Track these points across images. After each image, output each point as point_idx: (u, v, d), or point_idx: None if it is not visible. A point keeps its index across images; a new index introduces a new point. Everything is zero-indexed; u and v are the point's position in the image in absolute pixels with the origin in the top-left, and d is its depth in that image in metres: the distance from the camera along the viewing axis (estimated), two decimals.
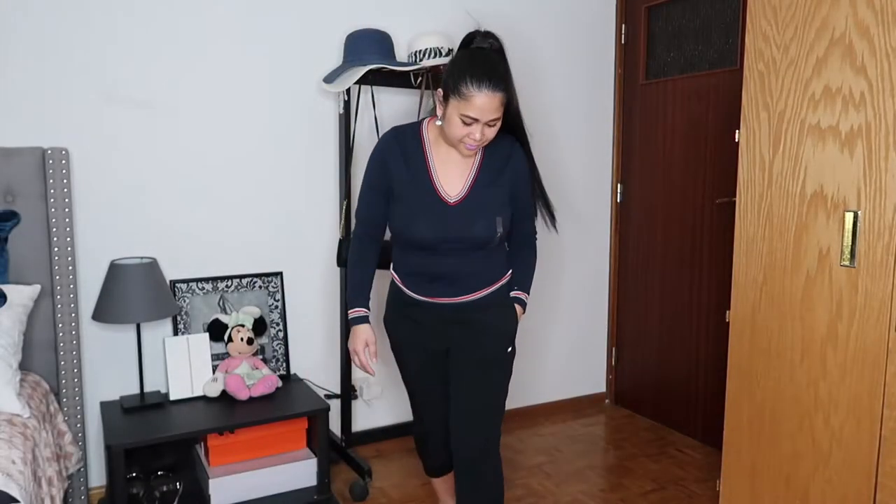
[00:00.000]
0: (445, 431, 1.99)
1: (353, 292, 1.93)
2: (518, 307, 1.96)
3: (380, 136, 2.35)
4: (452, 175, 1.85)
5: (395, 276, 1.96)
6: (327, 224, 2.81)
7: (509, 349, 1.95)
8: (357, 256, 1.95)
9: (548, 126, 3.24)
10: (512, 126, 1.86)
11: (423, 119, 1.93)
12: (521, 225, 1.96)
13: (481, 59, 1.75)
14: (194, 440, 2.52)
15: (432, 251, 1.84)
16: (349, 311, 1.93)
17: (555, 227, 2.03)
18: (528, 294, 1.99)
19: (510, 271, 1.96)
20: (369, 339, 1.92)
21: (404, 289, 1.92)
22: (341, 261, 2.64)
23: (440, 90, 1.78)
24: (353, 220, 2.03)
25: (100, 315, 2.26)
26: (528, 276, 1.99)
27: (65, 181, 2.22)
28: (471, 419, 1.91)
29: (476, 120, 1.71)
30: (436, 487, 2.28)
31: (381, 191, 1.87)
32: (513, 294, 1.96)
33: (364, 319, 1.92)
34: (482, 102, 1.68)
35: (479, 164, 1.86)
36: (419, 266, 1.88)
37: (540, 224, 2.07)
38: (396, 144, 1.86)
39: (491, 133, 1.77)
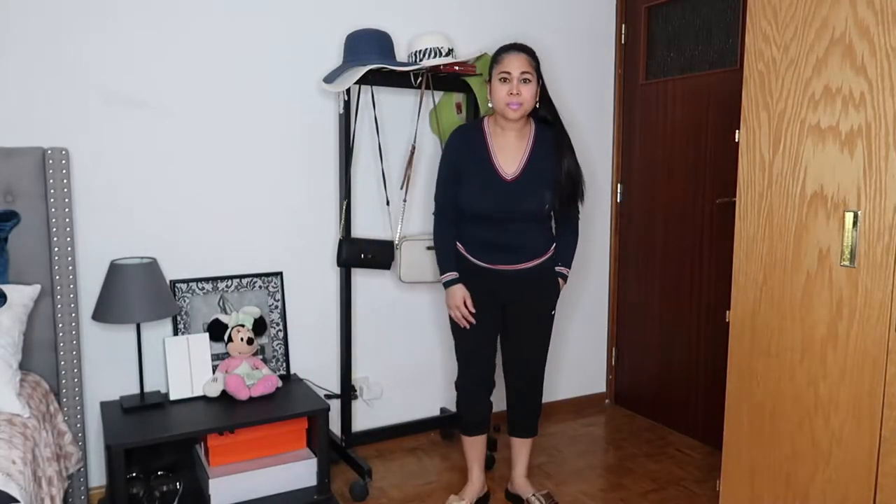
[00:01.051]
0: (487, 379, 2.42)
1: (443, 261, 2.37)
2: (560, 280, 2.41)
3: (380, 136, 2.82)
4: (509, 156, 2.29)
5: (461, 246, 2.36)
6: (327, 224, 2.81)
7: (552, 312, 2.43)
8: (441, 232, 2.38)
9: None
10: (547, 108, 2.33)
11: (484, 116, 2.39)
12: (567, 203, 2.33)
13: (509, 42, 2.30)
14: (194, 440, 2.52)
15: (492, 222, 2.27)
16: (442, 276, 2.37)
17: (582, 201, 2.40)
18: (570, 269, 2.42)
19: (553, 246, 2.38)
20: (465, 294, 2.34)
21: (468, 256, 2.34)
22: (341, 261, 2.64)
23: (488, 80, 2.29)
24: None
25: (100, 315, 2.26)
26: (570, 253, 2.42)
27: (65, 181, 2.22)
28: (526, 361, 2.43)
29: (509, 74, 2.19)
30: (467, 451, 2.51)
31: (452, 178, 2.32)
32: (557, 269, 2.39)
33: (457, 280, 2.35)
34: (511, 59, 2.21)
35: (531, 148, 2.30)
36: (481, 237, 2.31)
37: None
38: (461, 139, 2.34)
39: (526, 92, 2.21)
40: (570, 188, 2.30)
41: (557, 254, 2.40)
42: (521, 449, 2.54)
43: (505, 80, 2.20)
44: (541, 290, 2.38)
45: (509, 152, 2.29)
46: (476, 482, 2.51)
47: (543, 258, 2.35)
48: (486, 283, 2.34)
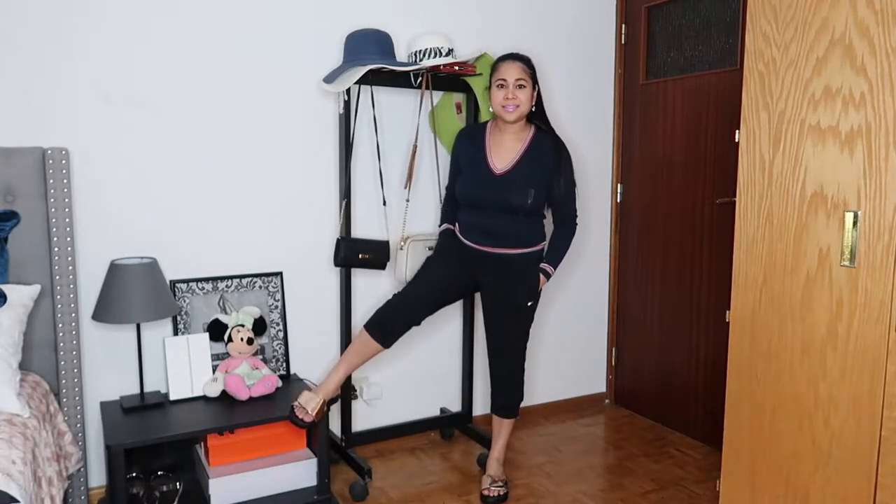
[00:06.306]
0: (411, 309, 2.49)
1: (443, 219, 2.68)
2: (542, 276, 2.51)
3: (379, 136, 2.85)
4: (503, 155, 2.50)
5: (456, 228, 2.63)
6: (327, 224, 2.81)
7: (529, 303, 2.53)
8: (446, 209, 2.69)
9: None
10: (539, 116, 2.52)
11: (489, 120, 2.59)
12: (561, 206, 2.54)
13: (507, 53, 2.53)
14: (194, 440, 2.52)
15: (481, 209, 2.48)
16: (441, 227, 2.66)
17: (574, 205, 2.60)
18: (555, 268, 2.54)
19: (543, 243, 2.53)
20: None
21: (460, 236, 2.58)
22: (338, 261, 2.64)
23: (488, 87, 2.51)
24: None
25: (100, 315, 2.26)
26: (559, 252, 2.55)
27: (65, 181, 2.22)
28: (503, 347, 2.57)
29: (505, 80, 2.40)
30: (352, 344, 2.53)
31: (456, 171, 2.61)
32: (541, 265, 2.51)
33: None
34: (506, 66, 2.43)
35: (525, 150, 2.48)
36: (472, 222, 2.52)
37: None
38: (467, 136, 2.61)
39: (522, 95, 2.41)
40: (564, 189, 2.50)
41: (547, 251, 2.55)
42: (499, 429, 2.67)
43: (501, 86, 2.42)
44: (518, 280, 2.50)
45: (504, 151, 2.49)
46: (331, 383, 2.47)
47: (525, 249, 2.49)
48: (467, 256, 2.54)
